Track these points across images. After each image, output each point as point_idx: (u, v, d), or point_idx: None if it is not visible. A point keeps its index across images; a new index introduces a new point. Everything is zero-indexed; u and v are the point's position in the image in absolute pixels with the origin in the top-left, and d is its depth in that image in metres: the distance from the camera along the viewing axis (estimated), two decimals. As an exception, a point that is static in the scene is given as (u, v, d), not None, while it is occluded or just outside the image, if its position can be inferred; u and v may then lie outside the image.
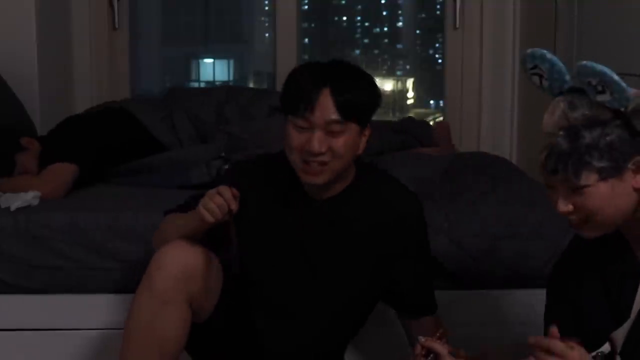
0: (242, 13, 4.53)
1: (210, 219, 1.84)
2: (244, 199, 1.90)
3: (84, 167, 2.69)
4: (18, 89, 3.04)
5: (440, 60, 4.25)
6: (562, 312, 1.68)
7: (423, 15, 4.52)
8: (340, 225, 1.97)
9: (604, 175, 1.51)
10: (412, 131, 3.21)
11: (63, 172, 2.66)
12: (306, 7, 4.24)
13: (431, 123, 3.74)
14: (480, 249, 2.40)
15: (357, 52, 4.53)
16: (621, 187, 1.52)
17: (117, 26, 3.79)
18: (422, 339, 1.75)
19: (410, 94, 4.41)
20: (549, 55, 1.58)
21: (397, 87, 4.43)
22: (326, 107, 1.81)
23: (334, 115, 1.82)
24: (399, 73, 4.49)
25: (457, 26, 3.84)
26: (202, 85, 4.39)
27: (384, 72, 4.43)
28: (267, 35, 4.30)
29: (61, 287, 2.42)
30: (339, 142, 1.84)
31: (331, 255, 1.98)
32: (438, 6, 4.22)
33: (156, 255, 1.91)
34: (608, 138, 1.50)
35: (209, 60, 4.47)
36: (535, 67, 1.59)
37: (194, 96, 3.15)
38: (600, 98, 1.50)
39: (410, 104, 4.48)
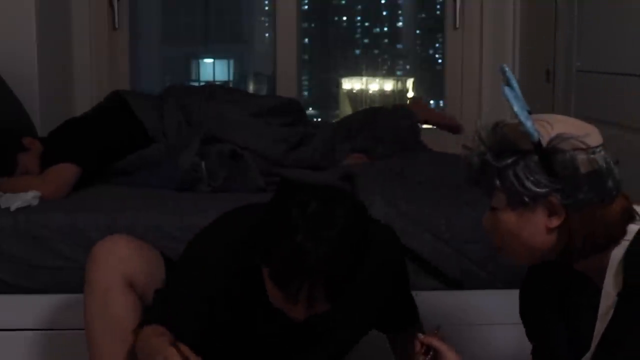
0: (242, 13, 4.53)
1: None
2: (214, 301, 1.83)
3: (86, 168, 2.69)
4: (18, 89, 3.03)
5: (440, 60, 4.25)
6: (533, 342, 1.67)
7: (423, 15, 4.52)
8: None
9: (512, 204, 1.47)
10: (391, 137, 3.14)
11: (66, 172, 2.65)
12: (306, 7, 4.24)
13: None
14: (482, 255, 2.37)
15: (357, 52, 4.54)
16: (532, 222, 1.47)
17: (117, 26, 3.79)
18: (421, 336, 1.74)
19: (410, 94, 4.41)
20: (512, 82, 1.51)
21: (397, 87, 4.43)
22: (319, 298, 1.68)
23: (325, 304, 1.71)
24: (399, 73, 4.49)
25: (457, 26, 3.84)
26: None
27: (384, 72, 4.43)
28: (267, 35, 4.31)
29: (61, 287, 2.42)
30: (324, 307, 1.73)
31: (326, 329, 1.90)
32: (438, 6, 4.22)
33: (89, 255, 1.99)
34: (519, 170, 1.44)
35: (209, 60, 4.48)
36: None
37: (188, 89, 3.15)
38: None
39: (410, 104, 4.48)
